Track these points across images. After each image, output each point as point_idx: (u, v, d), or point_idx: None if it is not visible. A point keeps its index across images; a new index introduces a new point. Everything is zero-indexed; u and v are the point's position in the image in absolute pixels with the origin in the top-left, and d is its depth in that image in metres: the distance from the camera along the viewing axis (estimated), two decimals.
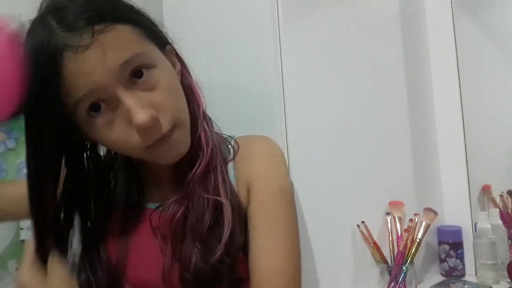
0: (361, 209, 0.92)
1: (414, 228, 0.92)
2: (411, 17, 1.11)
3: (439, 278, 1.04)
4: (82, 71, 0.46)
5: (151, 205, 0.60)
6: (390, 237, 0.93)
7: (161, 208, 0.58)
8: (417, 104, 1.10)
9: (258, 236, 0.56)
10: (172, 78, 0.54)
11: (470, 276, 1.04)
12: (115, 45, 0.48)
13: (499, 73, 1.20)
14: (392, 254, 0.92)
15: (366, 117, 0.95)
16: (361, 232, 0.90)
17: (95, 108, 0.49)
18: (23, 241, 0.76)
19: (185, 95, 0.57)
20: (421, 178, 1.08)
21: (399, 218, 0.94)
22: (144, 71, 0.50)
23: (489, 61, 1.21)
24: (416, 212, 0.96)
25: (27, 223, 0.74)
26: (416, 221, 0.93)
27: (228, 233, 0.53)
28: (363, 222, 0.90)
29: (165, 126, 0.50)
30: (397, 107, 1.05)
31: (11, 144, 0.78)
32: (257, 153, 0.62)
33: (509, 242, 1.05)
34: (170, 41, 0.60)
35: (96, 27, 0.46)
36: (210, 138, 0.59)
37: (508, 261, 0.98)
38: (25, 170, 0.75)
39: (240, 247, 0.55)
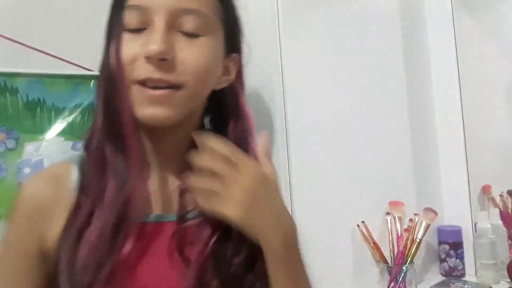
0: (361, 209, 0.92)
1: (414, 228, 0.92)
2: (411, 17, 1.11)
3: (439, 278, 1.04)
4: None
5: (161, 217, 0.52)
6: (390, 237, 0.93)
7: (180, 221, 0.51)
8: (417, 104, 1.09)
9: None
10: (213, 59, 0.51)
11: (470, 276, 1.04)
12: None
13: (499, 73, 1.21)
14: (392, 254, 0.92)
15: (366, 117, 0.95)
16: (361, 232, 0.90)
17: (135, 31, 0.48)
18: None
19: (229, 114, 0.55)
20: (421, 178, 1.08)
21: (399, 218, 0.94)
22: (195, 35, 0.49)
23: (489, 61, 1.21)
24: (416, 212, 0.96)
25: None
26: (416, 221, 0.93)
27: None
28: (363, 222, 0.90)
29: (172, 76, 0.46)
30: (397, 107, 1.05)
31: (11, 144, 0.78)
32: None
33: (509, 242, 1.05)
34: (242, 54, 0.57)
35: None
36: None
37: (508, 261, 0.98)
38: (25, 170, 0.75)
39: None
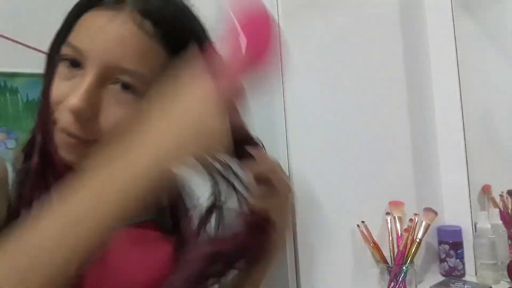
0: (361, 209, 0.92)
1: (414, 228, 0.92)
2: (411, 17, 1.11)
3: (439, 278, 1.04)
4: (93, 28, 0.45)
5: None
6: (390, 237, 0.93)
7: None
8: (417, 104, 1.09)
9: None
10: None
11: (470, 276, 1.04)
12: (134, 49, 0.44)
13: (499, 73, 1.20)
14: (392, 254, 0.92)
15: (366, 117, 0.95)
16: (361, 232, 0.90)
17: (72, 64, 0.46)
18: None
19: None
20: (421, 178, 1.08)
21: (399, 218, 0.94)
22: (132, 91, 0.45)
23: (489, 61, 1.21)
24: (416, 212, 0.96)
25: None
26: (416, 221, 0.93)
27: None
28: (363, 222, 0.90)
29: (88, 132, 0.45)
30: (397, 107, 1.05)
31: (11, 144, 0.78)
32: None
33: (509, 242, 1.05)
34: None
35: (142, 22, 0.44)
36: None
37: (508, 261, 0.98)
38: None
39: None
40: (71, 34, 0.47)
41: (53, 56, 0.49)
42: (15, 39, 0.74)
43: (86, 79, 0.44)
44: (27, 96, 0.78)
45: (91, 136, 0.45)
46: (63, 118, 0.45)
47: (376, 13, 1.02)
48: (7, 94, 0.76)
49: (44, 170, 0.48)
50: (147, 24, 0.45)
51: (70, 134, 0.45)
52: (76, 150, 0.46)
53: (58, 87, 0.46)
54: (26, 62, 0.75)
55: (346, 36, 0.92)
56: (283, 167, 0.78)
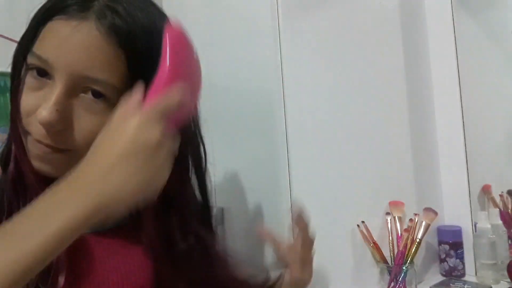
0: (361, 209, 0.92)
1: (414, 228, 0.92)
2: (411, 17, 1.11)
3: (439, 278, 1.04)
4: (58, 38, 0.44)
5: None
6: (390, 237, 0.93)
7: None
8: (417, 104, 1.10)
9: None
10: None
11: (470, 276, 1.04)
12: (100, 58, 0.43)
13: (499, 73, 1.21)
14: (392, 254, 0.92)
15: (366, 117, 0.95)
16: (361, 232, 0.90)
17: (39, 73, 0.45)
18: None
19: None
20: (421, 178, 1.08)
21: (399, 218, 0.94)
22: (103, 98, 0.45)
23: (489, 61, 1.21)
24: (416, 212, 0.96)
25: None
26: (416, 221, 0.93)
27: None
28: (363, 222, 0.90)
29: (61, 143, 0.45)
30: (397, 107, 1.05)
31: None
32: None
33: (509, 242, 1.05)
34: None
35: (107, 32, 0.43)
36: None
37: (508, 261, 0.98)
38: None
39: None
40: (36, 43, 0.45)
41: (18, 64, 0.48)
42: (15, 39, 0.74)
43: (55, 90, 0.43)
44: None
45: (65, 146, 0.45)
46: (35, 130, 0.44)
47: (376, 13, 1.02)
48: (7, 94, 0.76)
49: (21, 179, 0.47)
50: (113, 34, 0.44)
51: (45, 145, 0.45)
52: (50, 160, 0.45)
53: (28, 98, 0.45)
54: None
55: (346, 36, 0.92)
56: (283, 167, 0.78)
